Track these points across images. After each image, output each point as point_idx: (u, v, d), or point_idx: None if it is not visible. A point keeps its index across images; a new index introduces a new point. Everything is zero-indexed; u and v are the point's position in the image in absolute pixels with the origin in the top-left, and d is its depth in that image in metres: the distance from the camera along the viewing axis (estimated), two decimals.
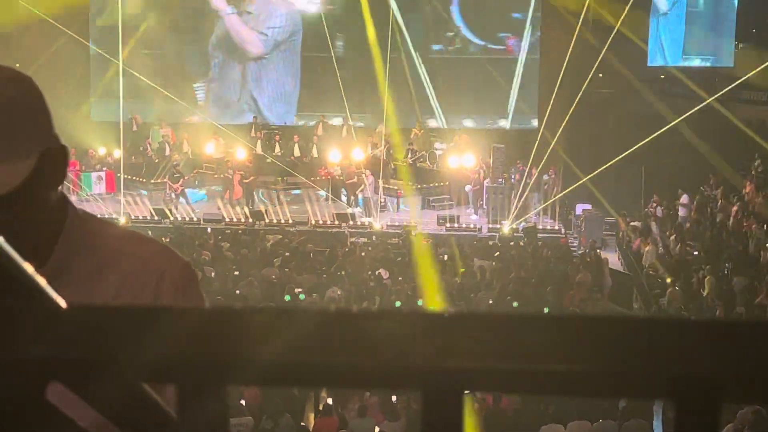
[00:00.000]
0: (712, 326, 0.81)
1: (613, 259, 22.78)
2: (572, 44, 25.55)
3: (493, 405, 13.02)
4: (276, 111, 31.49)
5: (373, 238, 23.58)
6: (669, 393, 0.77)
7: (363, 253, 21.46)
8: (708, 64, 29.99)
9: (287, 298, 18.13)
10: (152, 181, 27.84)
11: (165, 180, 27.21)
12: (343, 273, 19.77)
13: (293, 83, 31.69)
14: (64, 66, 29.13)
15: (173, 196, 26.91)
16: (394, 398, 12.90)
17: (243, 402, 12.83)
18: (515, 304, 17.43)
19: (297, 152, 28.83)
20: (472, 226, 25.29)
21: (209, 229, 24.05)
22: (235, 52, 31.23)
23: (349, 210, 26.12)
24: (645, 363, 0.77)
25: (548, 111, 26.33)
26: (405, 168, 27.65)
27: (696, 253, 21.28)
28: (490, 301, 17.92)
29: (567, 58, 26.06)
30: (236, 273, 19.87)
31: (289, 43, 31.19)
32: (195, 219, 25.49)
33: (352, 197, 26.75)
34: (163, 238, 22.20)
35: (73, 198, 27.15)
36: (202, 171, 28.55)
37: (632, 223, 24.14)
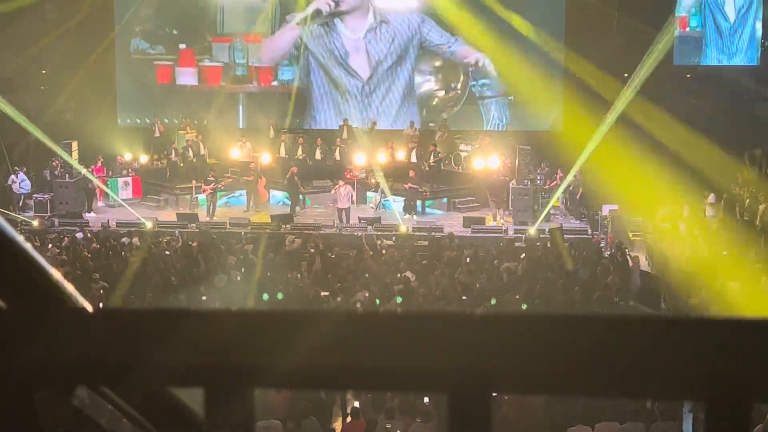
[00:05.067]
0: (741, 326, 0.80)
1: (641, 259, 22.66)
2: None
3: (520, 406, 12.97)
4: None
5: (393, 239, 23.52)
6: (699, 393, 0.76)
7: (384, 255, 21.43)
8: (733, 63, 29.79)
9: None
10: (178, 185, 27.97)
11: (198, 184, 27.28)
12: (368, 276, 19.77)
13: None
14: (92, 73, 29.34)
15: (198, 198, 27.06)
16: (426, 399, 12.86)
17: (270, 405, 12.84)
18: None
19: (318, 155, 28.90)
20: (501, 227, 25.28)
21: (243, 233, 24.05)
22: None
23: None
24: (675, 363, 0.76)
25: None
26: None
27: (725, 253, 21.09)
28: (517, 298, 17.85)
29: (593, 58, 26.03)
30: (268, 274, 19.92)
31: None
32: (221, 223, 25.57)
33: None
34: (190, 243, 22.31)
35: (100, 204, 27.60)
36: (229, 175, 28.68)
37: (661, 223, 24.02)
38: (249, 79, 31.93)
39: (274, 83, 32.00)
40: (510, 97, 30.94)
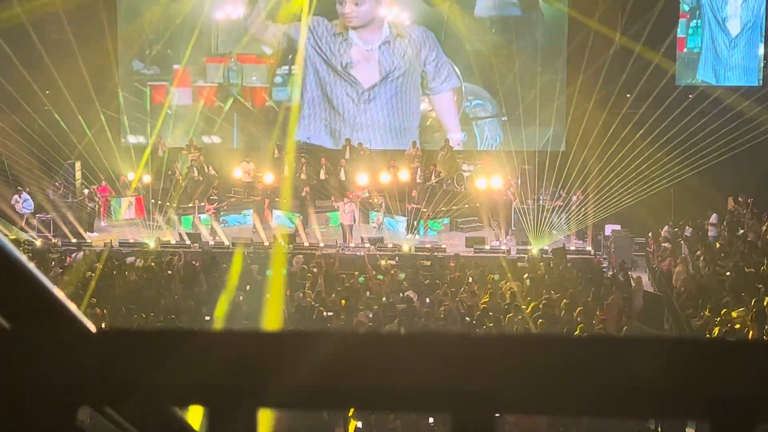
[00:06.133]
0: (745, 347, 0.80)
1: (643, 279, 22.63)
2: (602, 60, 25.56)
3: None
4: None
5: (396, 259, 23.51)
6: (704, 413, 0.76)
7: (391, 274, 21.42)
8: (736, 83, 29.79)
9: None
10: (182, 205, 28.00)
11: (202, 203, 27.36)
12: (369, 293, 19.75)
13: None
14: (96, 93, 29.39)
15: (201, 218, 27.11)
16: (431, 420, 12.80)
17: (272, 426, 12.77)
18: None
19: (323, 175, 28.94)
20: (503, 248, 25.24)
21: (246, 253, 23.99)
22: None
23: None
24: (679, 384, 0.76)
25: (579, 132, 26.35)
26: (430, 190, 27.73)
27: (728, 273, 21.05)
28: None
29: (593, 78, 26.09)
30: (267, 296, 19.88)
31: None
32: (225, 243, 25.55)
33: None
34: (194, 262, 22.30)
35: (103, 224, 27.65)
36: (232, 195, 28.78)
37: (663, 244, 24.01)
38: (243, 99, 32.02)
39: (269, 103, 32.07)
40: (504, 118, 30.94)
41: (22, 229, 26.30)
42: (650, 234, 25.21)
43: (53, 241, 25.70)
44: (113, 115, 31.01)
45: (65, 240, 25.80)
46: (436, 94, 31.35)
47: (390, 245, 25.00)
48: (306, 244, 25.48)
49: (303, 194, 27.10)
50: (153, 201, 28.17)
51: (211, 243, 25.58)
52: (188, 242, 25.32)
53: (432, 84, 31.19)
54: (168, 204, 27.88)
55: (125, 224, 27.56)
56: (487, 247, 25.17)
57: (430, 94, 31.38)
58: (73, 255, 23.55)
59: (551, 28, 30.56)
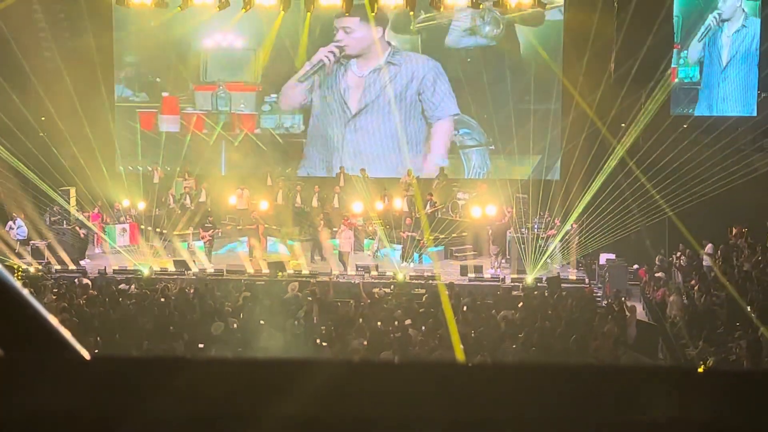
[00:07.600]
0: (739, 377, 0.80)
1: (638, 308, 22.62)
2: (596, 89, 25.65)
3: None
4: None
5: (391, 287, 23.48)
6: None
7: (385, 304, 21.37)
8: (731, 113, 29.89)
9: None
10: (174, 232, 27.97)
11: (196, 231, 27.36)
12: (362, 321, 19.69)
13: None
14: (91, 119, 29.42)
15: (196, 245, 27.09)
16: None
17: None
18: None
19: (315, 203, 28.97)
20: (498, 276, 25.24)
21: (241, 280, 23.97)
22: None
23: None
24: (672, 413, 0.76)
25: (572, 161, 26.39)
26: (425, 219, 27.69)
27: (721, 306, 21.05)
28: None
29: (591, 107, 26.20)
30: (261, 322, 19.84)
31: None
32: (218, 270, 25.50)
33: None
34: (187, 290, 22.25)
35: (97, 251, 27.56)
36: (227, 222, 28.80)
37: (657, 274, 24.04)
38: (232, 126, 32.08)
39: (257, 131, 32.13)
40: (491, 147, 31.01)
41: (17, 255, 26.26)
42: (636, 265, 25.30)
43: (48, 267, 25.62)
44: (106, 142, 31.03)
45: (59, 267, 25.74)
46: (435, 122, 31.40)
47: (385, 273, 24.98)
48: (305, 271, 25.40)
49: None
50: (148, 228, 28.16)
51: (207, 270, 25.53)
52: (183, 269, 25.26)
53: (429, 112, 31.25)
54: (163, 231, 27.87)
55: (119, 251, 27.52)
56: (483, 275, 25.15)
57: (429, 122, 31.42)
58: (71, 282, 23.49)
59: (546, 56, 30.66)
